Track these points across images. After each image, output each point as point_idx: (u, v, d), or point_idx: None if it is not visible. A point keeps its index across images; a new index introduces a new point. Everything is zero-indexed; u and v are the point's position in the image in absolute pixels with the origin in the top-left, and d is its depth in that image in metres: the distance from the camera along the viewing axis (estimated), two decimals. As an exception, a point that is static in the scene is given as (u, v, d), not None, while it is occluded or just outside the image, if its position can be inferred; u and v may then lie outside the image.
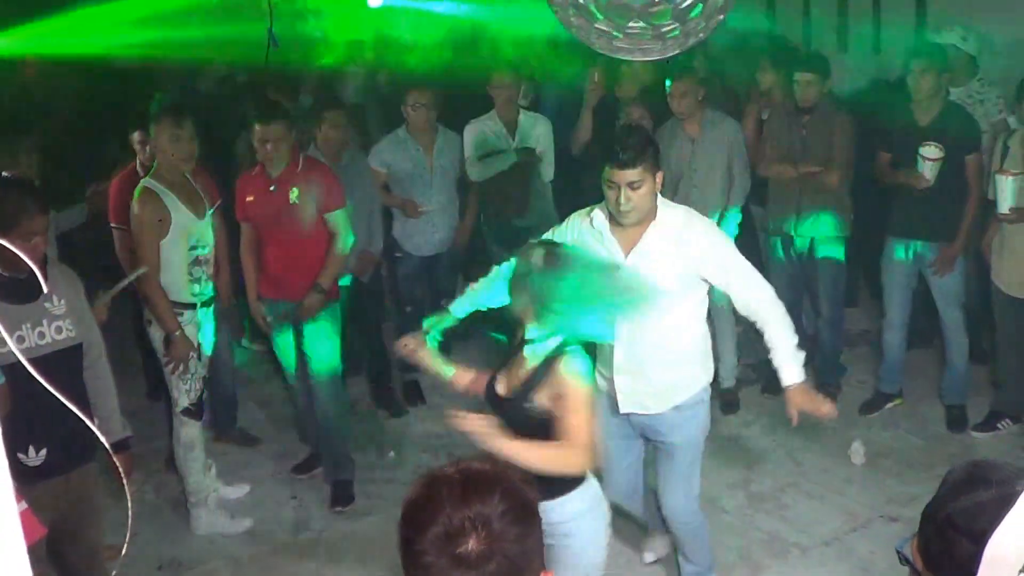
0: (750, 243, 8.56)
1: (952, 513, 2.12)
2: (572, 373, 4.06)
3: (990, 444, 7.13)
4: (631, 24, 3.51)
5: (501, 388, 4.32)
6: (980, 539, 2.06)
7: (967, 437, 7.26)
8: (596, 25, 3.58)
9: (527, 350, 4.22)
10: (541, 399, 4.10)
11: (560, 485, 4.15)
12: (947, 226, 7.08)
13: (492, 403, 4.32)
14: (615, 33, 3.57)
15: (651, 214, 4.84)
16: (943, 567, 2.14)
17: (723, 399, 7.80)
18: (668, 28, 3.57)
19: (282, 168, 6.52)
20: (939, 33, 7.76)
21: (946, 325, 7.39)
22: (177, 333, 6.18)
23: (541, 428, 4.06)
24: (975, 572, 2.06)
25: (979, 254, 7.25)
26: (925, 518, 2.19)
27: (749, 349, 8.21)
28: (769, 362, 7.72)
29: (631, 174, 4.67)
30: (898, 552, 2.26)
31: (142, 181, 6.19)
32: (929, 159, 6.84)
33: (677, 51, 3.79)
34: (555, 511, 4.08)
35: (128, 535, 4.10)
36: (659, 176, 4.82)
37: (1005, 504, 2.06)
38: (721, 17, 3.70)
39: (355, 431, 7.51)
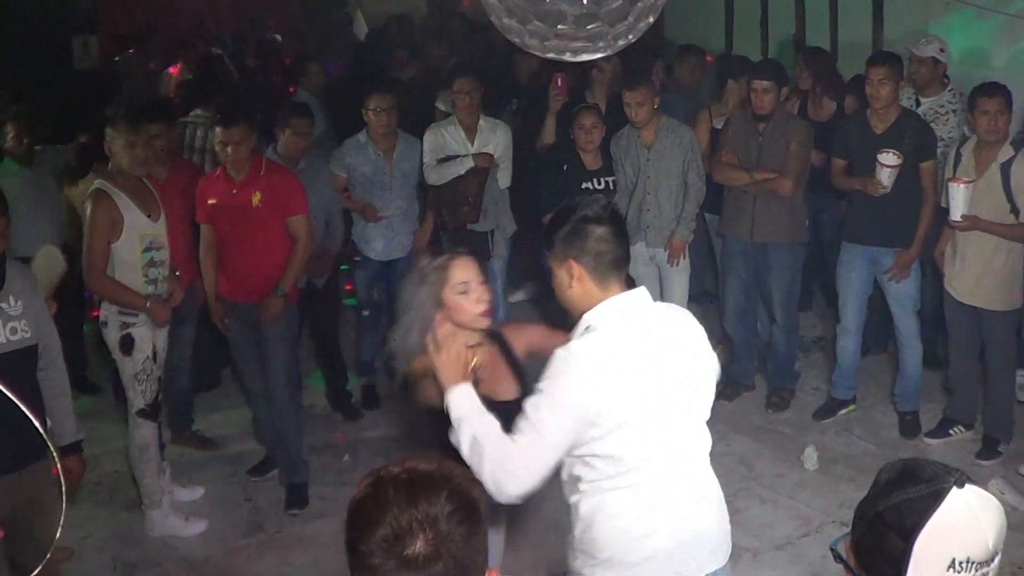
0: (704, 249, 8.64)
1: (882, 510, 2.12)
2: None
3: (942, 450, 7.19)
4: (561, 26, 3.53)
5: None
6: (909, 535, 2.06)
7: (920, 443, 7.31)
8: (528, 27, 3.60)
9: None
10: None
11: None
12: (903, 232, 7.14)
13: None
14: (547, 34, 3.59)
15: None
16: (874, 564, 2.14)
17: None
18: (597, 29, 3.59)
19: (245, 171, 6.53)
20: (917, 44, 7.79)
21: (900, 331, 7.45)
22: (148, 305, 6.19)
23: None
24: (905, 568, 2.07)
25: (933, 259, 7.31)
26: (857, 516, 2.19)
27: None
28: (724, 368, 7.79)
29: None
30: (832, 550, 2.28)
31: (95, 183, 6.19)
32: (887, 166, 6.91)
33: (608, 52, 3.81)
34: None
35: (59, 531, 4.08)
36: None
37: (934, 501, 2.07)
38: (651, 19, 3.73)
39: (310, 435, 7.51)
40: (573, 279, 3.58)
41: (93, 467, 7.14)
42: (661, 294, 7.80)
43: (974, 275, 6.89)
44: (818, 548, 6.07)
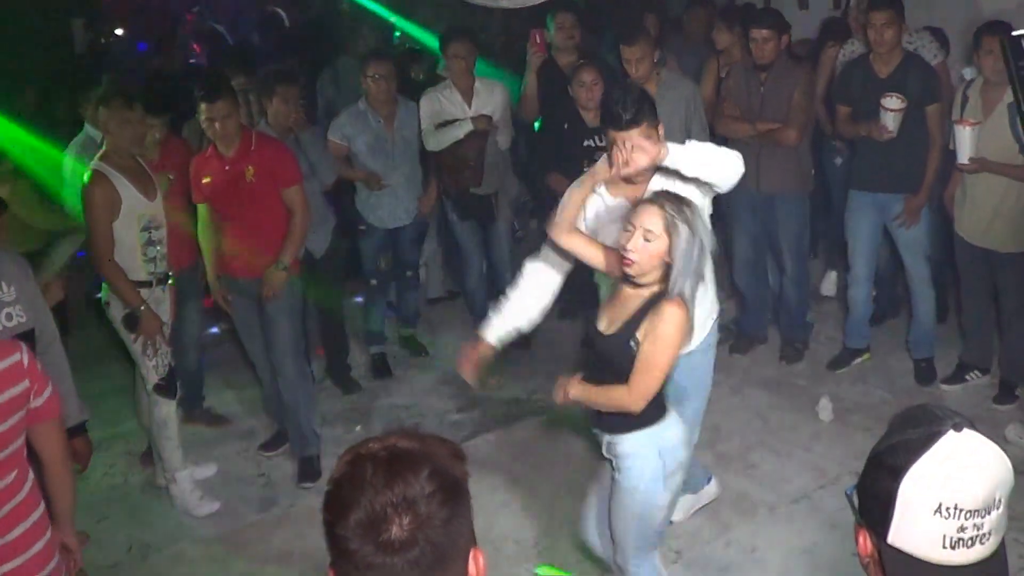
0: (711, 202, 8.54)
1: (880, 451, 2.08)
2: (672, 314, 4.12)
3: (959, 396, 7.14)
4: None
5: (603, 324, 4.39)
6: (897, 476, 2.00)
7: (936, 390, 7.27)
8: None
9: (630, 289, 4.30)
10: (641, 337, 4.19)
11: (624, 422, 4.35)
12: (910, 177, 7.07)
13: (592, 338, 4.42)
14: None
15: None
16: (868, 506, 2.09)
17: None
18: None
19: (235, 146, 6.46)
20: None
21: (912, 278, 7.39)
22: (142, 308, 6.13)
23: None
24: (891, 510, 2.01)
25: (942, 206, 7.24)
26: (866, 460, 2.15)
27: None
28: (736, 322, 7.79)
29: (635, 134, 4.63)
30: (847, 496, 2.22)
31: (92, 165, 6.10)
32: (891, 110, 6.82)
33: None
34: (618, 445, 4.43)
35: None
36: (660, 128, 4.79)
37: (926, 443, 2.00)
38: None
39: (322, 406, 7.49)
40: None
41: (106, 449, 7.20)
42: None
43: (984, 217, 6.81)
44: (835, 500, 6.02)
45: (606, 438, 4.52)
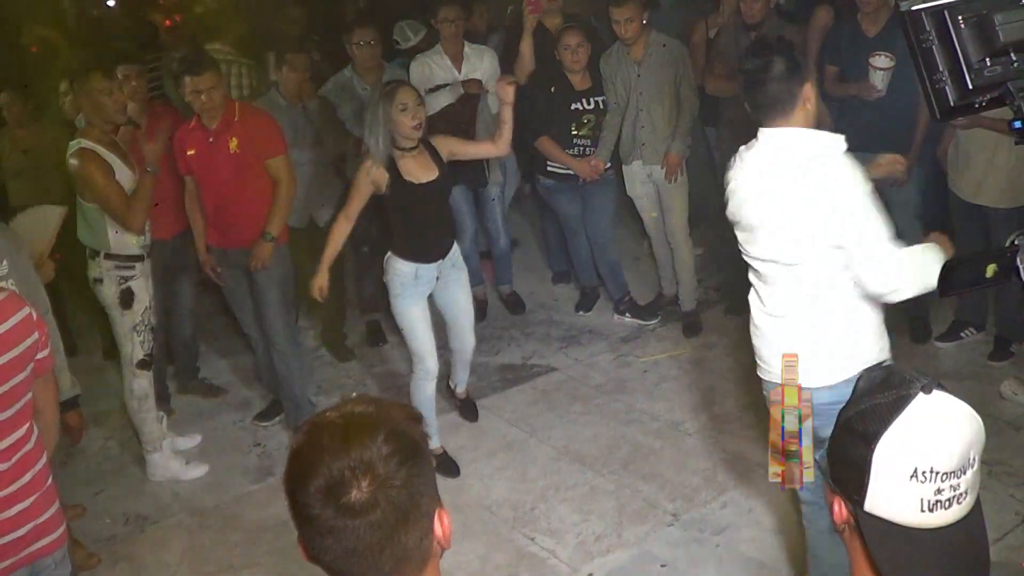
0: (706, 164, 8.51)
1: (850, 416, 2.04)
2: None
3: (954, 354, 7.15)
4: None
5: None
6: (871, 442, 1.98)
7: (931, 347, 7.27)
8: None
9: None
10: None
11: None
12: (901, 137, 7.03)
13: None
14: None
15: None
16: (841, 472, 2.06)
17: (685, 322, 7.82)
18: None
19: (218, 118, 6.43)
20: None
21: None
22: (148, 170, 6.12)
23: None
24: (867, 476, 1.98)
25: (935, 164, 7.21)
26: (835, 423, 2.12)
27: (712, 271, 8.18)
28: (731, 282, 7.75)
29: None
30: (816, 463, 2.21)
31: (79, 143, 6.03)
32: (880, 68, 6.78)
33: None
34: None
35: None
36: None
37: (898, 407, 1.98)
38: None
39: (317, 375, 7.48)
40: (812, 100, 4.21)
41: (101, 423, 7.22)
42: (661, 212, 7.72)
43: (978, 173, 6.78)
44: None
45: None
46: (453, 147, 6.24)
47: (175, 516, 6.29)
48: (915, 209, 7.25)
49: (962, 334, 7.25)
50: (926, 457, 1.94)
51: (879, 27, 6.99)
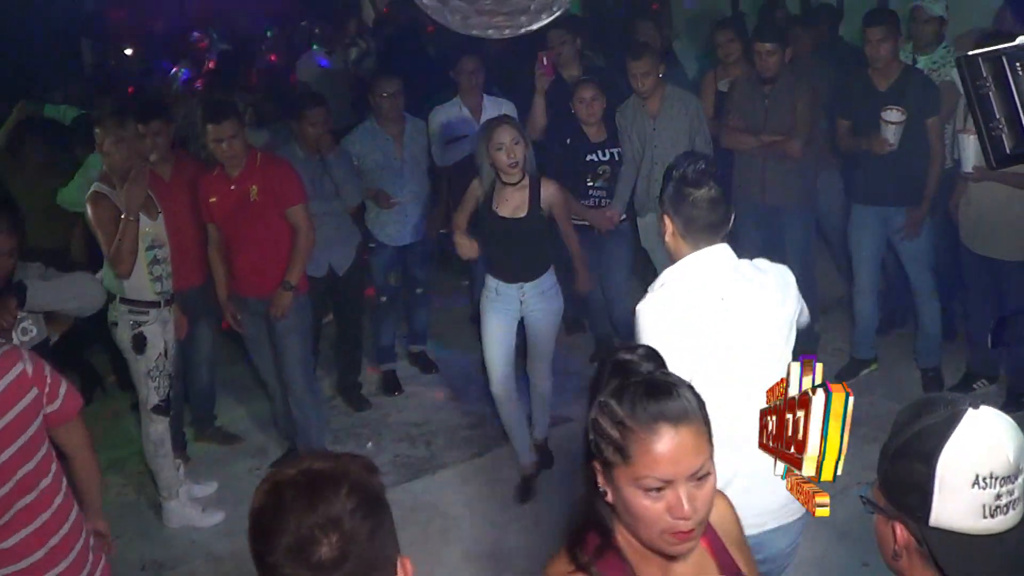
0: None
1: (903, 442, 2.17)
2: None
3: (967, 405, 7.14)
4: (482, 1, 3.49)
5: None
6: (930, 459, 2.10)
7: (944, 399, 7.26)
8: (449, 5, 3.56)
9: None
10: None
11: None
12: (912, 190, 7.10)
13: None
14: (468, 12, 3.55)
15: None
16: (902, 497, 2.17)
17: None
18: (520, 5, 3.56)
19: (240, 167, 6.52)
20: (928, 4, 7.62)
21: (917, 289, 7.42)
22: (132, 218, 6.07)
23: None
24: (931, 492, 2.10)
25: (947, 216, 7.26)
26: (881, 457, 2.24)
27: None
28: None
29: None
30: (862, 497, 2.29)
31: (93, 186, 6.16)
32: (892, 123, 6.84)
33: (532, 27, 3.78)
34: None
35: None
36: None
37: (952, 423, 2.11)
38: None
39: (332, 423, 7.52)
40: (667, 233, 3.87)
41: (119, 469, 7.23)
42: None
43: (989, 226, 6.83)
44: (844, 510, 5.95)
45: None
46: (554, 200, 6.44)
47: (191, 563, 6.32)
48: (927, 260, 7.31)
49: (974, 385, 7.26)
50: (985, 464, 2.09)
51: (890, 81, 7.07)
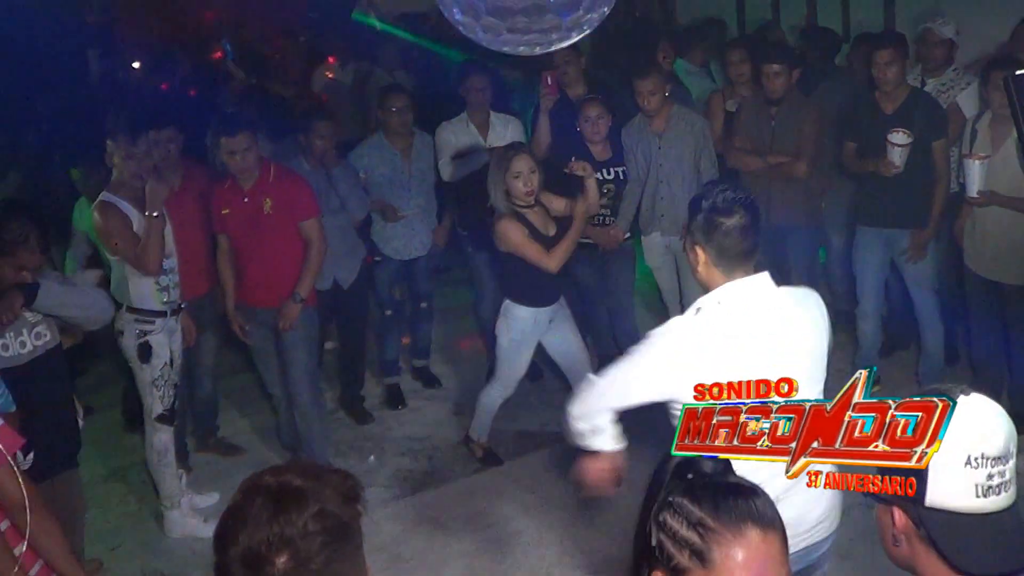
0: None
1: None
2: None
3: (969, 428, 7.13)
4: (514, 18, 3.51)
5: None
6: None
7: (946, 420, 7.25)
8: (480, 22, 3.57)
9: None
10: None
11: None
12: (917, 212, 7.11)
13: None
14: (499, 28, 3.57)
15: None
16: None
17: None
18: (550, 21, 3.57)
19: (254, 179, 6.56)
20: (936, 24, 7.63)
21: (921, 311, 7.42)
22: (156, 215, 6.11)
23: None
24: (925, 474, 2.17)
25: (951, 240, 7.27)
26: None
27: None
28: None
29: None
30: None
31: (101, 195, 6.20)
32: (898, 145, 6.86)
33: (562, 44, 3.79)
34: None
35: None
36: None
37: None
38: (605, 9, 3.70)
39: (335, 436, 7.52)
40: (699, 264, 3.77)
41: (120, 478, 7.24)
42: (679, 283, 7.77)
43: (993, 250, 6.85)
44: (845, 531, 5.98)
45: None
46: (546, 200, 6.67)
47: (191, 574, 6.33)
48: (930, 283, 7.33)
49: (977, 408, 7.25)
50: (977, 444, 2.17)
51: (896, 104, 7.09)
